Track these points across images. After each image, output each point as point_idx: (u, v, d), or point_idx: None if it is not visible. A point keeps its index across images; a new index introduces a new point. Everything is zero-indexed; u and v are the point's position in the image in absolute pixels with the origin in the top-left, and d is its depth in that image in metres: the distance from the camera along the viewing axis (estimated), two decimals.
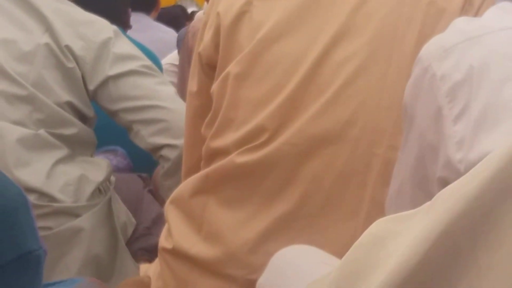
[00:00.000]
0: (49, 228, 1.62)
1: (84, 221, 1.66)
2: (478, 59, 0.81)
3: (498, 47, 0.81)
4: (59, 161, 1.66)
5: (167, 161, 1.74)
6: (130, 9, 2.95)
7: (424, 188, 0.89)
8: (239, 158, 1.28)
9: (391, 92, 1.21)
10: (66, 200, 1.64)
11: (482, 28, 0.84)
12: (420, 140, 0.89)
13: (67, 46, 1.68)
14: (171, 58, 3.36)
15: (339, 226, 1.24)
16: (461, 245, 0.51)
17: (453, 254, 0.52)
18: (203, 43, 1.39)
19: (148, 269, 1.55)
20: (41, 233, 0.86)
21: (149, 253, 1.82)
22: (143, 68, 1.76)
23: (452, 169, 0.80)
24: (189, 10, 6.29)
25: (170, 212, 1.40)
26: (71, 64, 1.69)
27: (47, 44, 1.66)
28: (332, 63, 1.24)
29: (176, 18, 5.06)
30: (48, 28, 1.68)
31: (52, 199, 1.63)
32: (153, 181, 2.14)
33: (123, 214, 1.83)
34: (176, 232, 1.37)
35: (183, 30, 3.39)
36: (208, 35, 1.36)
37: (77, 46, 1.70)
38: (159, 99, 1.74)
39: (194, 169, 1.42)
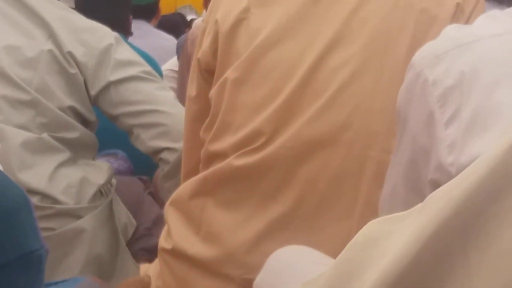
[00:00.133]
0: (52, 229, 1.62)
1: (86, 222, 1.66)
2: (469, 65, 0.81)
3: (488, 53, 0.81)
4: (61, 164, 1.66)
5: (167, 164, 1.74)
6: (131, 17, 2.95)
7: (416, 190, 0.89)
8: (236, 161, 1.28)
9: (385, 96, 1.21)
10: (68, 202, 1.64)
11: (472, 35, 0.84)
12: (413, 143, 0.89)
13: (69, 53, 1.68)
14: (171, 64, 3.36)
15: (334, 227, 1.24)
16: (452, 246, 0.51)
17: (444, 254, 0.52)
18: (201, 50, 1.39)
19: (148, 269, 1.54)
20: (44, 234, 0.86)
21: (149, 253, 1.82)
22: (144, 73, 1.76)
23: (443, 171, 0.80)
24: (189, 17, 6.29)
25: (170, 213, 1.40)
26: (74, 70, 1.69)
27: (50, 51, 1.66)
28: (327, 69, 1.24)
29: (176, 26, 5.06)
30: (51, 35, 1.68)
31: (55, 201, 1.63)
32: (153, 183, 2.14)
33: (124, 215, 1.83)
34: (175, 233, 1.37)
35: (182, 37, 3.39)
36: (206, 42, 1.36)
37: (79, 53, 1.70)
38: (159, 104, 1.74)
39: (193, 171, 1.42)
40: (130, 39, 2.85)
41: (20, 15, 1.68)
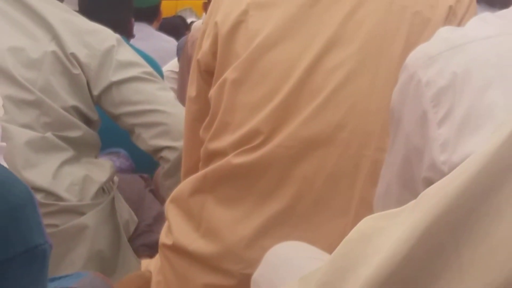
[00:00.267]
0: (56, 226, 1.62)
1: (89, 219, 1.66)
2: (461, 66, 0.81)
3: (480, 55, 0.81)
4: (65, 162, 1.66)
5: (167, 162, 1.74)
6: (133, 19, 2.95)
7: (410, 188, 0.89)
8: (235, 159, 1.29)
9: (379, 97, 1.21)
10: (71, 199, 1.64)
11: (465, 37, 0.84)
12: (406, 142, 0.89)
13: (72, 54, 1.68)
14: (172, 65, 3.36)
15: (330, 224, 1.24)
16: (444, 242, 0.52)
17: (436, 250, 0.52)
18: (201, 51, 1.39)
19: (149, 264, 1.55)
20: (48, 230, 0.86)
21: (150, 249, 1.81)
22: (145, 74, 1.76)
23: (436, 170, 0.80)
24: (189, 20, 6.29)
25: (170, 210, 1.41)
26: (77, 71, 1.69)
27: (54, 52, 1.66)
28: (324, 70, 1.24)
29: (176, 28, 5.06)
30: (55, 36, 1.67)
31: (58, 198, 1.63)
32: (154, 181, 2.13)
33: (125, 212, 1.83)
34: (176, 229, 1.38)
35: (183, 39, 3.38)
36: (206, 43, 1.37)
37: (82, 54, 1.69)
38: (159, 104, 1.74)
39: (193, 169, 1.42)
40: (132, 41, 2.84)
41: (24, 17, 1.68)
